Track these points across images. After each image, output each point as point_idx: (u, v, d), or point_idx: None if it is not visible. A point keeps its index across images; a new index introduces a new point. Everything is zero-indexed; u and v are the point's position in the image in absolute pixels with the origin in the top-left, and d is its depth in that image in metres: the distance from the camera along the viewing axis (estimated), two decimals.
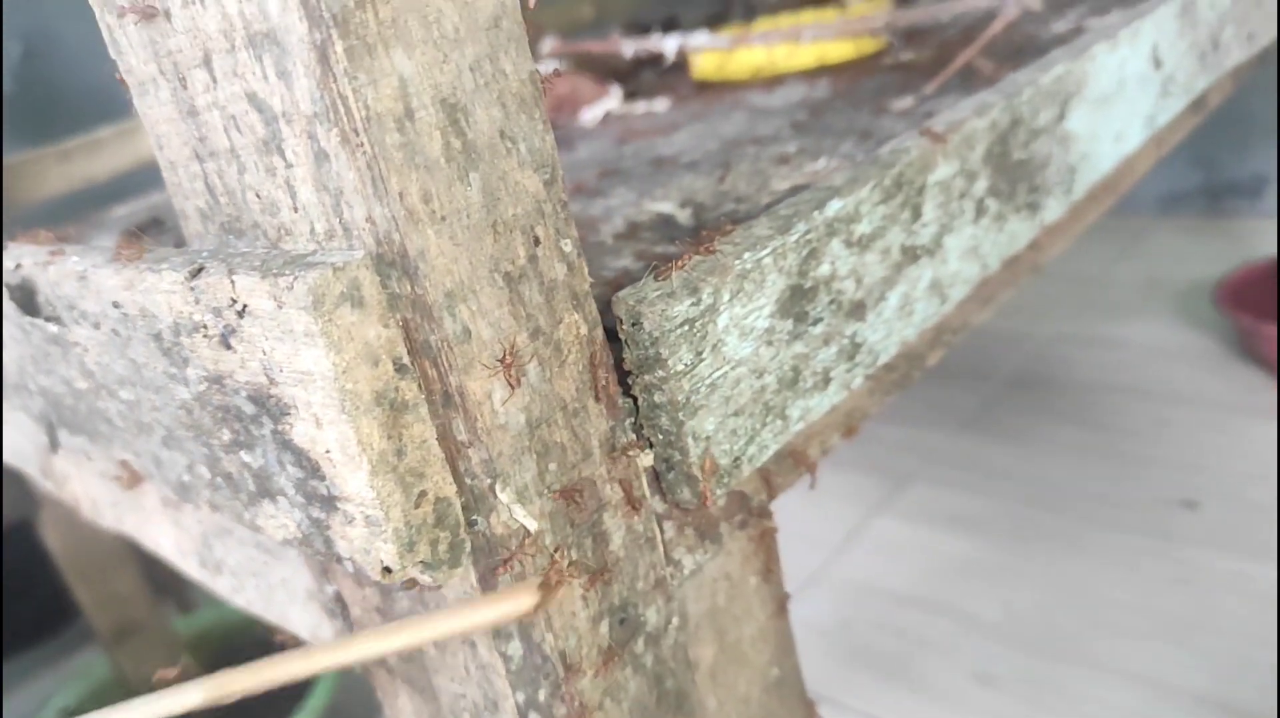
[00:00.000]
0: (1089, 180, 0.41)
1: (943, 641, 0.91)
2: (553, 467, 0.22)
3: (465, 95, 0.19)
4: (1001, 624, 0.93)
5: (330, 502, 0.20)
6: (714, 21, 0.86)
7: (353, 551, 0.21)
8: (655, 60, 0.75)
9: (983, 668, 0.87)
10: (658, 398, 0.23)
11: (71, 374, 0.28)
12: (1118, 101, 0.43)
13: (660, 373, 0.23)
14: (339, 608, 0.28)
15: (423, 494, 0.20)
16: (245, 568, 0.32)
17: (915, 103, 0.49)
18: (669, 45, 0.63)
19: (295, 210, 0.20)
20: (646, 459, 0.24)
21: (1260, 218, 1.56)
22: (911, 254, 0.31)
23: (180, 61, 0.20)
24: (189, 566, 0.37)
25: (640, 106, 0.65)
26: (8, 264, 0.29)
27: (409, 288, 0.19)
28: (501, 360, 0.20)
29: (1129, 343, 1.34)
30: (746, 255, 0.25)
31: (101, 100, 1.31)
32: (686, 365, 0.23)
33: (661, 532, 0.25)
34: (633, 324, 0.23)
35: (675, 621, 0.26)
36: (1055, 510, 1.07)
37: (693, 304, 0.23)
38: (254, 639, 1.04)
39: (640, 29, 0.80)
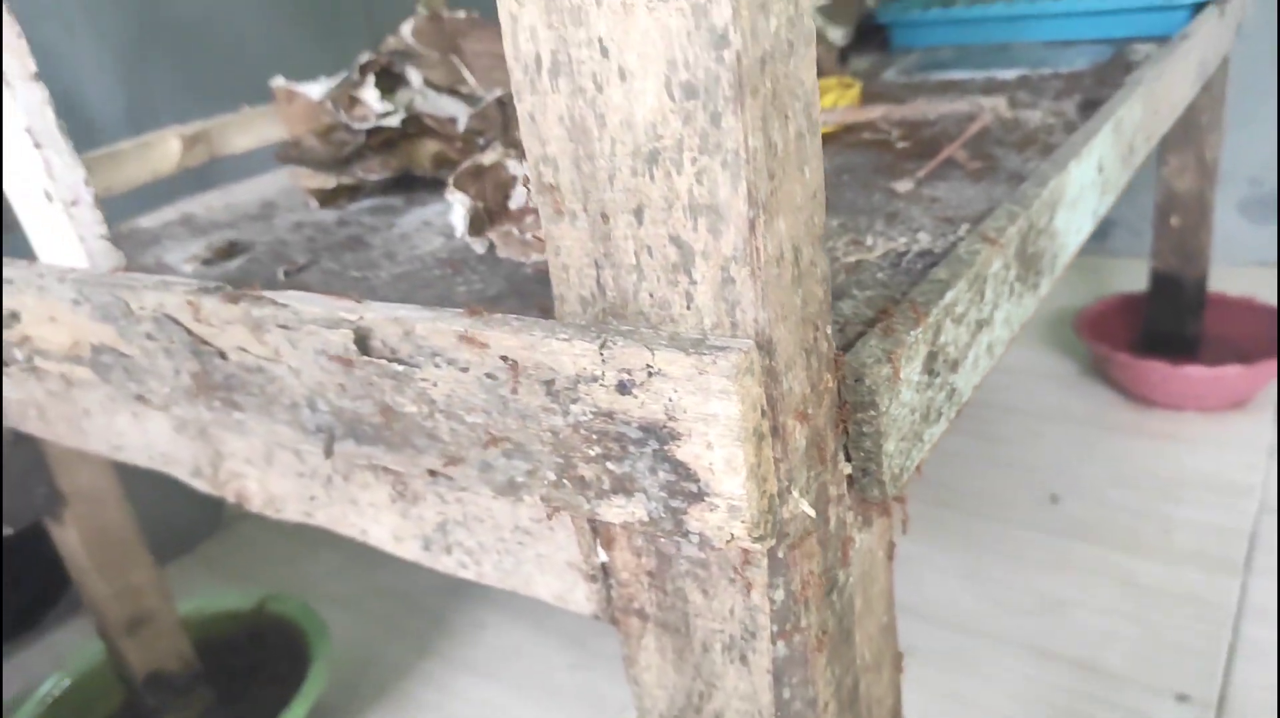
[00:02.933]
0: (1063, 262, 0.55)
1: None
2: (812, 474, 0.34)
3: (801, 241, 0.31)
4: (917, 605, 1.09)
5: (697, 497, 0.32)
6: None
7: (704, 528, 0.32)
8: None
9: (906, 642, 1.03)
10: (865, 429, 0.35)
11: (399, 401, 0.38)
12: (1080, 203, 0.57)
13: (872, 413, 0.35)
14: (601, 574, 0.39)
15: (764, 492, 0.31)
16: (490, 547, 0.43)
17: (914, 186, 0.62)
18: None
19: (687, 309, 0.31)
20: (847, 469, 0.37)
21: (1107, 256, 1.80)
22: (981, 325, 0.44)
23: (608, 207, 0.31)
24: (406, 548, 0.46)
25: None
26: (348, 316, 0.38)
27: (768, 362, 0.31)
28: (802, 407, 0.32)
29: (1005, 367, 1.54)
30: (912, 333, 0.37)
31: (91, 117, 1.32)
32: (885, 407, 0.35)
33: (848, 520, 0.37)
34: (855, 380, 0.35)
35: (851, 580, 0.38)
36: (952, 508, 1.25)
37: (889, 368, 0.36)
38: (230, 628, 1.09)
39: None
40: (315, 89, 0.73)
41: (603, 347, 0.31)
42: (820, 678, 0.37)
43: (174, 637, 0.94)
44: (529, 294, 0.52)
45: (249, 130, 1.00)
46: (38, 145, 0.50)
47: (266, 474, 0.52)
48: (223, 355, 0.45)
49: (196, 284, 0.46)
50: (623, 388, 0.31)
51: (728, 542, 0.32)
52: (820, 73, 0.96)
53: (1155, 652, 0.98)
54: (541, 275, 0.55)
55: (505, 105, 0.74)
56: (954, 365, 0.41)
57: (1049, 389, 1.47)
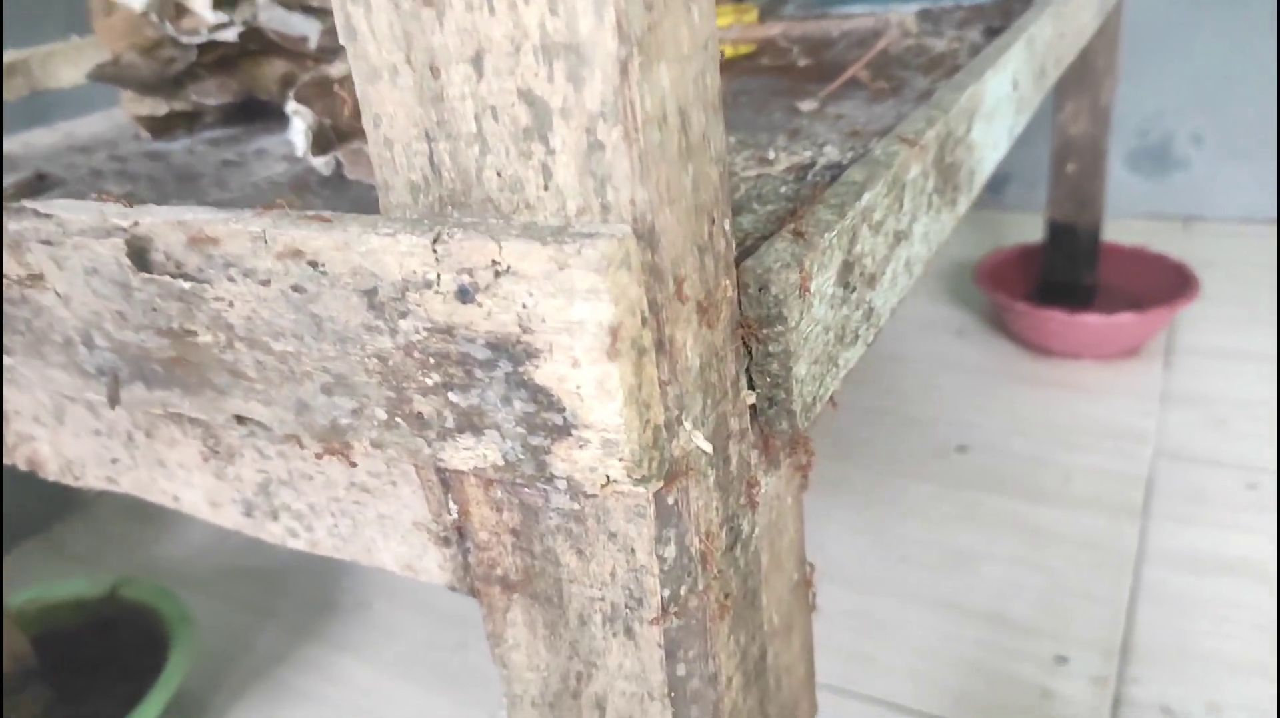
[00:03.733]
0: (979, 179, 0.50)
1: None
2: (709, 403, 0.27)
3: (689, 103, 0.24)
4: (822, 565, 1.05)
5: (562, 430, 0.25)
6: None
7: (572, 470, 0.25)
8: None
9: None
10: (773, 348, 0.29)
11: (189, 328, 0.30)
12: (996, 117, 0.52)
13: (779, 328, 0.29)
14: (455, 535, 0.32)
15: (647, 422, 0.24)
16: (323, 510, 0.35)
17: (818, 105, 0.57)
18: None
19: (545, 189, 0.24)
20: (750, 397, 0.30)
21: (1003, 210, 1.80)
22: (899, 237, 0.38)
23: (439, 55, 0.24)
24: (225, 515, 0.38)
25: None
26: (120, 222, 0.30)
27: (650, 256, 0.24)
28: (700, 312, 0.26)
29: (903, 317, 1.52)
30: (826, 236, 0.31)
31: None
32: (794, 322, 0.29)
33: (752, 459, 0.31)
34: (759, 288, 0.29)
35: (757, 531, 0.32)
36: (851, 461, 1.22)
37: (798, 275, 0.29)
38: (76, 618, 0.99)
39: None
40: None
41: (436, 241, 0.24)
42: (722, 650, 0.30)
43: (9, 634, 0.83)
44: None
45: (78, 61, 0.88)
46: None
47: (58, 434, 0.43)
48: None
49: None
50: (464, 294, 0.24)
51: (603, 486, 0.25)
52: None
53: (1060, 600, 0.97)
54: None
55: None
56: (871, 280, 0.35)
57: (947, 340, 1.45)
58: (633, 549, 0.28)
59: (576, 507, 0.28)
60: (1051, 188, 1.34)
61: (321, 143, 0.51)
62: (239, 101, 0.69)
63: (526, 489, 0.29)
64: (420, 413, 0.27)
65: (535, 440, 0.25)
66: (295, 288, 0.27)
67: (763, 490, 0.32)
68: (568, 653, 0.32)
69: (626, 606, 0.29)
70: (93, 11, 0.66)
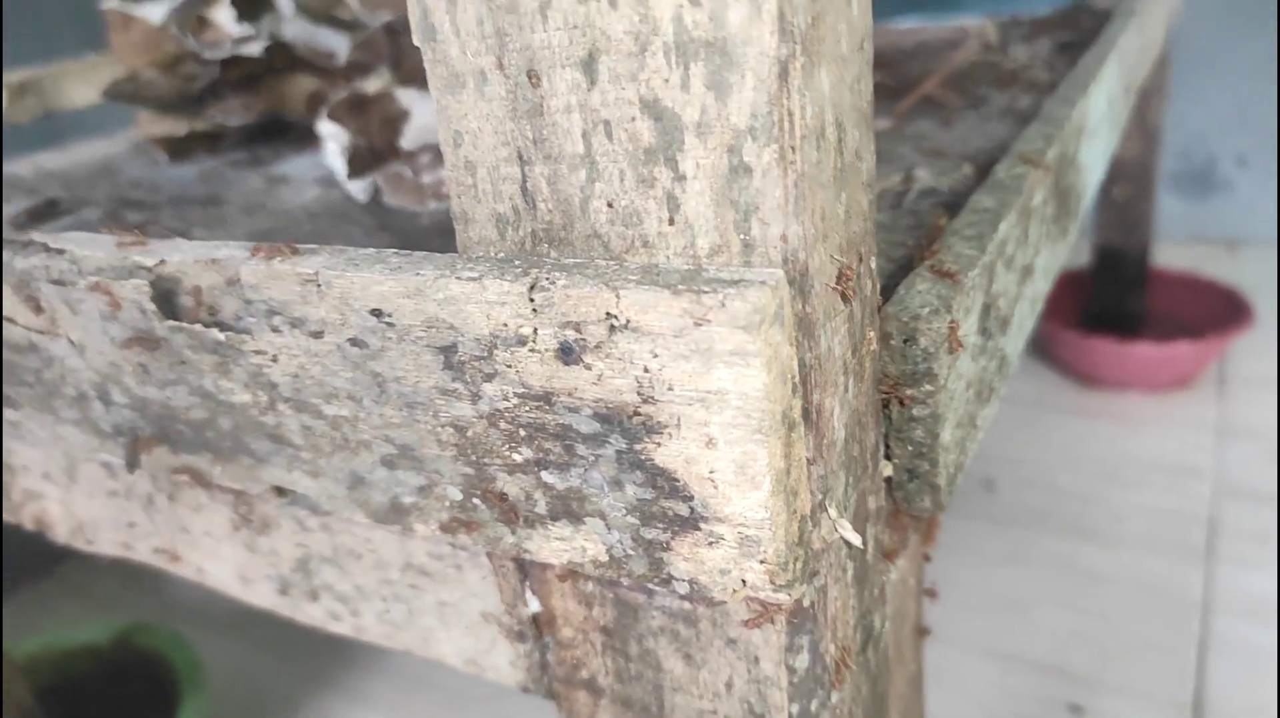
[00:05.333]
0: (1085, 205, 0.45)
1: None
2: (850, 481, 0.23)
3: (845, 115, 0.20)
4: None
5: (687, 523, 0.20)
6: None
7: (697, 572, 0.20)
8: None
9: None
10: (917, 411, 0.24)
11: (225, 386, 0.25)
12: (1097, 135, 0.48)
13: (927, 387, 0.24)
14: (531, 630, 0.27)
15: (794, 513, 0.20)
16: (371, 592, 0.30)
17: (893, 123, 0.52)
18: None
19: (670, 224, 0.19)
20: (888, 470, 0.25)
21: None
22: (1026, 272, 0.33)
23: (539, 58, 0.19)
24: (257, 592, 0.34)
25: None
26: (143, 260, 0.25)
27: (801, 307, 0.19)
28: (846, 373, 0.21)
29: None
30: (970, 274, 0.26)
31: None
32: (944, 379, 0.24)
33: (885, 542, 0.26)
34: (904, 340, 0.24)
35: (887, 625, 0.27)
36: None
37: (948, 322, 0.24)
38: (87, 667, 0.94)
39: None
40: (156, 10, 0.59)
41: (533, 288, 0.19)
42: None
43: (8, 683, 0.78)
44: (426, 250, 0.40)
45: (92, 80, 0.84)
46: None
47: (70, 493, 0.38)
48: None
49: None
50: (567, 353, 0.20)
51: (734, 592, 0.20)
52: None
53: (1124, 651, 0.91)
54: (442, 227, 0.42)
55: (396, 34, 0.61)
56: (1004, 324, 0.31)
57: None
58: (756, 659, 0.23)
59: (687, 607, 0.23)
60: (1099, 211, 1.29)
61: (358, 166, 0.47)
62: (262, 121, 0.65)
63: (629, 586, 0.24)
64: (504, 494, 0.22)
65: (650, 534, 0.21)
66: (354, 342, 0.22)
67: (891, 578, 0.27)
68: None
69: None
70: (110, 26, 0.62)
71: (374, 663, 1.05)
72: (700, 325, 0.18)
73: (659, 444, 0.19)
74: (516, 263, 0.21)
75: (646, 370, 0.19)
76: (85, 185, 0.64)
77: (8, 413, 0.33)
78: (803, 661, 0.23)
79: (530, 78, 0.19)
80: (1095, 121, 0.46)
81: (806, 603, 0.22)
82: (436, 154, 0.47)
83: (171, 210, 0.54)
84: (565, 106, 0.19)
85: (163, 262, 0.25)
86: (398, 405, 0.23)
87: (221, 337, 0.25)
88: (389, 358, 0.22)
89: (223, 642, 1.07)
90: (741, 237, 0.19)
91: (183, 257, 0.25)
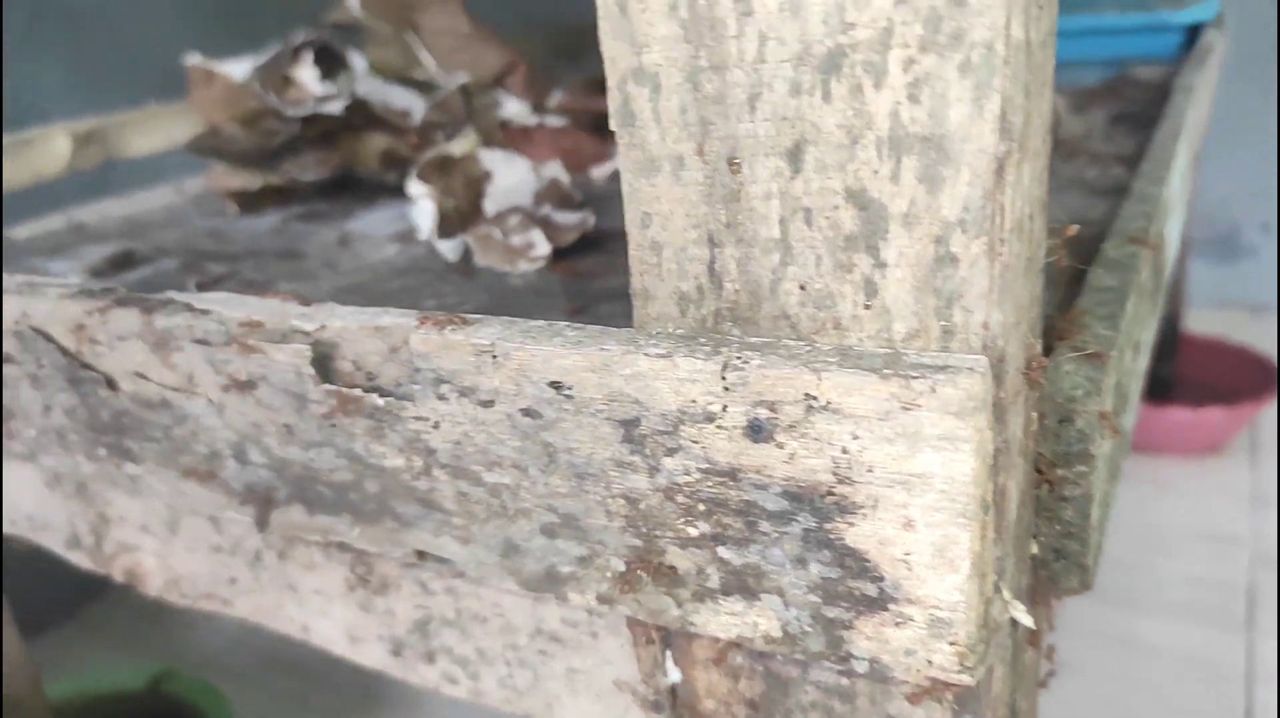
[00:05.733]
0: (1165, 283, 0.46)
1: None
2: (1015, 563, 0.23)
3: (1035, 206, 0.20)
4: None
5: (875, 603, 0.20)
6: None
7: (880, 652, 0.20)
8: None
9: None
10: (1069, 492, 0.25)
11: (377, 450, 0.26)
12: (1174, 212, 0.48)
13: (1082, 468, 0.24)
14: (668, 700, 0.27)
15: (983, 596, 0.20)
16: (495, 656, 0.30)
17: None
18: None
19: (866, 308, 0.20)
20: (1033, 548, 0.26)
21: None
22: (1138, 349, 0.34)
23: (742, 146, 0.20)
24: (366, 652, 0.34)
25: None
26: (302, 325, 0.26)
27: (995, 392, 0.19)
28: (1019, 461, 0.21)
29: None
30: (1113, 354, 0.27)
31: None
32: (1099, 461, 0.25)
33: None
34: (1059, 420, 0.24)
35: (1025, 706, 0.27)
36: None
37: (1099, 404, 0.25)
38: (119, 712, 0.93)
39: None
40: (239, 68, 0.61)
41: (726, 367, 0.20)
42: None
43: None
44: (519, 311, 0.40)
45: (154, 130, 0.86)
46: None
47: (169, 547, 0.38)
48: (111, 384, 0.32)
49: (76, 286, 0.33)
50: (756, 431, 0.20)
51: (918, 673, 0.20)
52: None
53: None
54: (534, 288, 0.43)
55: (470, 95, 0.62)
56: (1126, 401, 0.31)
57: None
58: None
59: (845, 682, 0.23)
60: None
61: (447, 226, 0.48)
62: (333, 177, 0.66)
63: (780, 659, 0.24)
64: (673, 567, 0.22)
65: (833, 612, 0.21)
66: (527, 412, 0.23)
67: (1026, 658, 0.27)
68: None
69: None
70: (191, 81, 0.64)
71: (403, 712, 1.04)
72: (908, 410, 0.18)
73: (851, 525, 0.20)
74: (703, 340, 0.21)
75: (845, 451, 0.19)
76: (154, 235, 0.64)
77: (131, 468, 0.33)
78: None
79: (730, 164, 0.20)
80: (1173, 198, 0.47)
81: (975, 685, 0.22)
82: (524, 217, 0.47)
83: (251, 263, 0.54)
84: (765, 193, 0.20)
85: (323, 327, 0.25)
86: (566, 476, 0.23)
87: (381, 402, 0.25)
88: (563, 429, 0.22)
89: (244, 691, 1.06)
90: (941, 323, 0.19)
91: (344, 323, 0.25)
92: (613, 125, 0.21)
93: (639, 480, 0.22)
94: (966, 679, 0.20)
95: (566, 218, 0.48)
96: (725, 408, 0.20)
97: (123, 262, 0.58)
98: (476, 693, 0.31)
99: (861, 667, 0.21)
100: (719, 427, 0.20)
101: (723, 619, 0.22)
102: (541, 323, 0.23)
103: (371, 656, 0.34)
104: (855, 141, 0.19)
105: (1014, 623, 0.23)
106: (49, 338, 0.33)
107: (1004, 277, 0.19)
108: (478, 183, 0.52)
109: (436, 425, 0.24)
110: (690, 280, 0.21)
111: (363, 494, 0.27)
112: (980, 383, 0.18)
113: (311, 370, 0.26)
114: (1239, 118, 1.53)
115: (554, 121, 0.67)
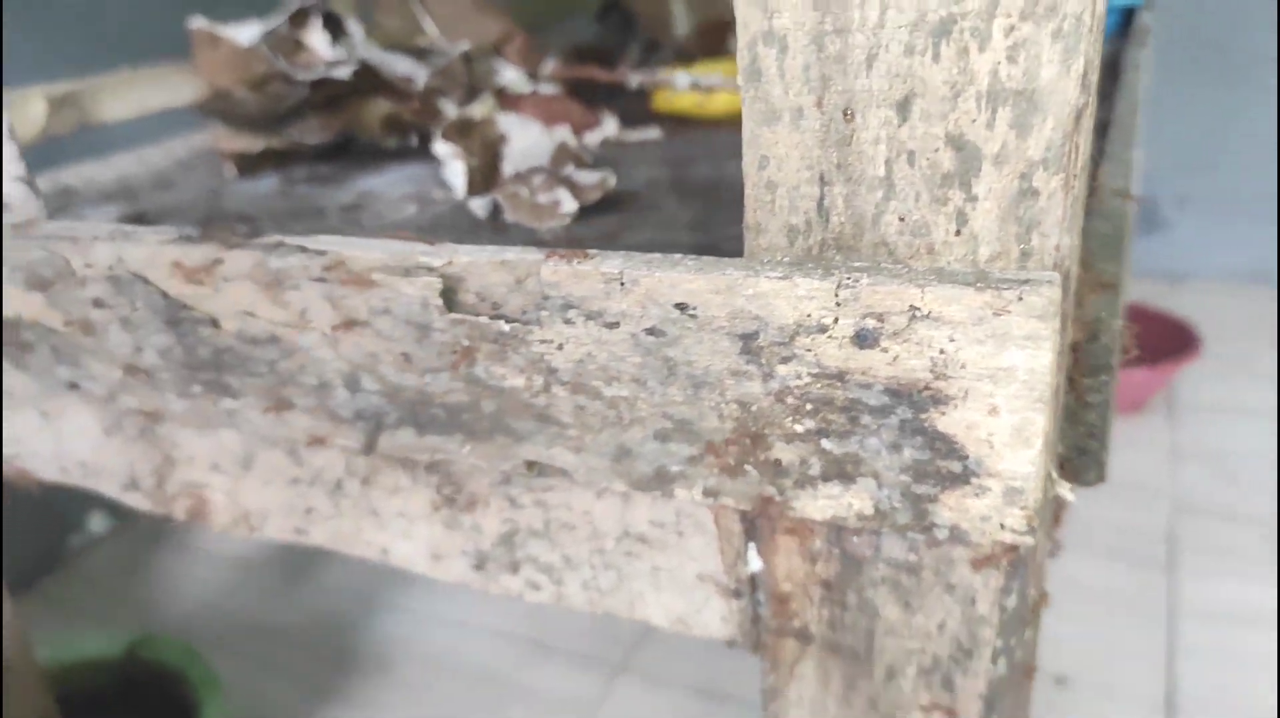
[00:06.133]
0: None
1: None
2: (1058, 450, 0.27)
3: (1085, 149, 0.25)
4: None
5: (959, 479, 0.24)
6: (649, 57, 0.91)
7: (960, 519, 0.25)
8: (618, 88, 0.79)
9: None
10: (1093, 398, 0.29)
11: (498, 372, 0.29)
12: (1136, 173, 0.54)
13: (1105, 377, 0.29)
14: (747, 587, 0.31)
15: (1047, 470, 0.24)
16: (581, 561, 0.34)
17: None
18: (680, 82, 0.68)
19: (956, 235, 0.24)
20: (1059, 447, 0.30)
21: None
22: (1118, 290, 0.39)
23: (858, 99, 0.24)
24: (447, 567, 0.37)
25: (635, 134, 0.69)
26: (429, 261, 0.29)
27: (1065, 303, 0.24)
28: (1076, 360, 0.26)
29: None
30: (1120, 284, 0.31)
31: None
32: (1115, 373, 0.29)
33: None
34: (1089, 338, 0.29)
35: (1047, 574, 0.32)
36: None
37: (1121, 325, 0.30)
38: (98, 680, 0.94)
39: (597, 55, 0.84)
40: (245, 32, 0.62)
41: (840, 286, 0.24)
42: (1026, 704, 0.30)
43: (35, 693, 0.78)
44: None
45: (129, 95, 0.86)
46: None
47: (240, 483, 0.41)
48: (214, 323, 0.34)
49: (175, 232, 0.35)
50: (863, 339, 0.24)
51: (990, 536, 0.25)
52: None
53: (1101, 655, 0.98)
54: (560, 240, 0.46)
55: (472, 62, 0.65)
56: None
57: None
58: (973, 600, 0.28)
59: (913, 558, 0.28)
60: None
61: (475, 185, 0.51)
62: (333, 142, 0.68)
63: (856, 539, 0.28)
64: (778, 460, 0.26)
65: (921, 489, 0.25)
66: (651, 331, 0.26)
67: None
68: (864, 708, 0.31)
69: (952, 658, 0.29)
70: (195, 44, 0.65)
71: (373, 673, 1.06)
72: (999, 315, 0.22)
73: (944, 414, 0.24)
74: (811, 265, 0.25)
75: (942, 352, 0.23)
76: (151, 198, 0.66)
77: (225, 403, 0.36)
78: (1012, 601, 0.28)
79: (845, 114, 0.24)
80: (1138, 161, 0.53)
81: (1022, 551, 0.27)
82: (550, 176, 0.50)
83: (272, 222, 0.56)
84: (874, 139, 0.24)
85: (450, 262, 0.29)
86: (684, 386, 0.27)
87: (506, 328, 0.28)
88: (684, 344, 0.26)
89: (217, 658, 1.07)
90: (1021, 247, 0.23)
91: (471, 258, 0.28)
92: (740, 81, 0.24)
93: (753, 386, 0.26)
94: (1029, 541, 0.25)
95: (587, 177, 0.51)
96: (837, 320, 0.24)
97: (137, 222, 0.59)
98: (558, 597, 0.35)
99: (942, 534, 0.25)
100: (830, 336, 0.24)
101: (820, 503, 0.26)
102: (658, 254, 0.27)
103: (453, 571, 0.37)
104: (958, 95, 0.23)
105: (1053, 500, 0.28)
106: (147, 281, 0.35)
107: (1074, 208, 0.23)
108: (494, 145, 0.55)
109: (560, 347, 0.28)
110: (800, 215, 0.25)
111: (477, 414, 0.30)
112: (1058, 293, 0.22)
113: (439, 301, 0.29)
114: (1156, 99, 1.63)
115: (547, 89, 0.70)
